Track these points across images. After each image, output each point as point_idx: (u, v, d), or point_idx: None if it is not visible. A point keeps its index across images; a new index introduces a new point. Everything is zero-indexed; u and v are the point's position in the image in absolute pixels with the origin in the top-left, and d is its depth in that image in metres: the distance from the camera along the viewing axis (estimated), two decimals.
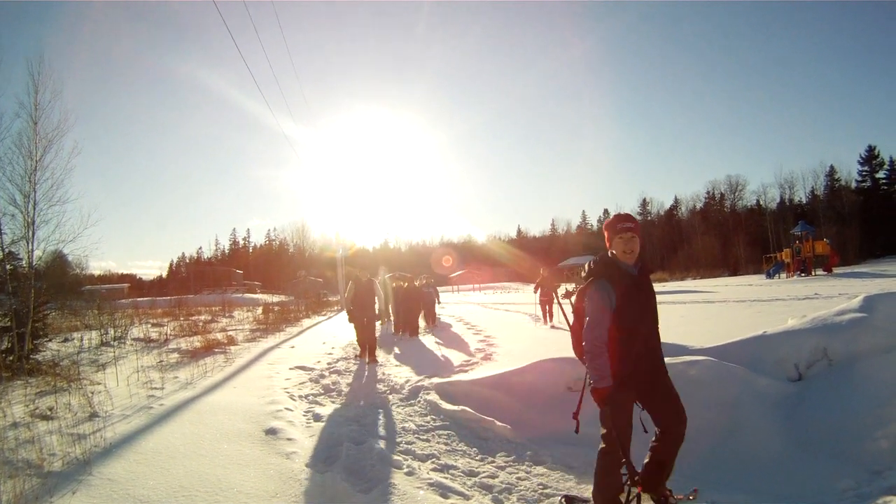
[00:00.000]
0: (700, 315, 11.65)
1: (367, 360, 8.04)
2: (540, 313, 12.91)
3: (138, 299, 26.86)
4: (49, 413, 4.55)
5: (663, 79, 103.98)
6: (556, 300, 10.31)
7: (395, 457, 3.80)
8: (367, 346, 8.26)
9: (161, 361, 7.52)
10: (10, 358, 6.55)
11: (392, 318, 12.78)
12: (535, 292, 13.07)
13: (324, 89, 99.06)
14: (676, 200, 72.57)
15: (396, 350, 9.33)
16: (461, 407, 4.88)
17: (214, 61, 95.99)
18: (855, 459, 3.21)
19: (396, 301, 12.64)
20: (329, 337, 11.03)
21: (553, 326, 11.35)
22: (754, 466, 3.38)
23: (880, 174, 58.41)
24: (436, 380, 6.01)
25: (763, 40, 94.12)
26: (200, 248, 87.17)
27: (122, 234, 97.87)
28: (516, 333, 10.64)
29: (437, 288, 16.68)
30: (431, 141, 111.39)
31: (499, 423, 4.46)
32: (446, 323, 14.03)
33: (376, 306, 8.80)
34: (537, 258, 54.66)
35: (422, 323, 13.00)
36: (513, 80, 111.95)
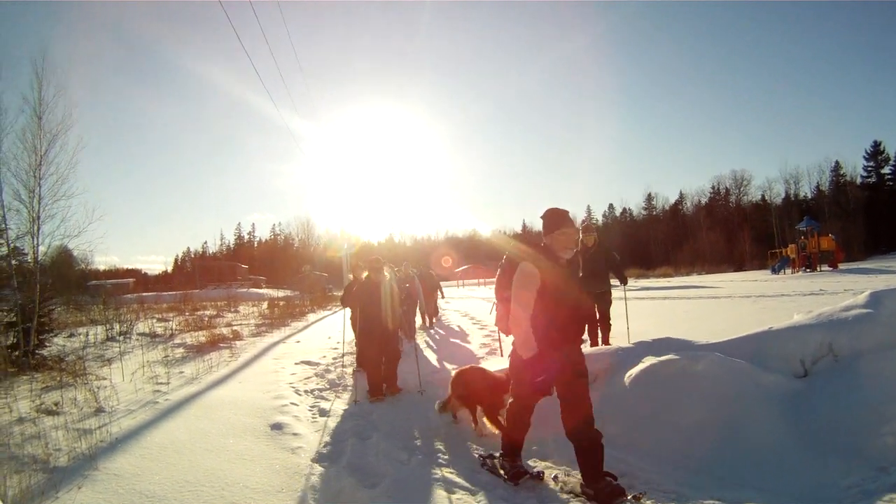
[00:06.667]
0: (705, 310, 11.62)
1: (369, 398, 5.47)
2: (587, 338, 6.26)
3: (143, 294, 26.92)
4: (55, 408, 4.56)
5: (668, 73, 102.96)
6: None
7: (401, 452, 3.81)
8: (383, 375, 5.75)
9: (166, 356, 7.55)
10: (16, 353, 6.58)
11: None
12: None
13: (327, 84, 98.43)
14: (681, 195, 72.17)
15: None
16: None
17: (219, 56, 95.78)
18: (860, 456, 3.18)
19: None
20: (334, 332, 11.00)
21: None
22: (759, 462, 3.37)
23: (886, 170, 58.00)
24: (441, 374, 6.02)
25: (768, 35, 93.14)
26: (205, 242, 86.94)
27: (127, 229, 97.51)
28: None
29: (441, 282, 13.60)
30: (435, 135, 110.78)
31: None
32: (445, 322, 12.80)
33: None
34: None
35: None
36: (516, 74, 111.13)
